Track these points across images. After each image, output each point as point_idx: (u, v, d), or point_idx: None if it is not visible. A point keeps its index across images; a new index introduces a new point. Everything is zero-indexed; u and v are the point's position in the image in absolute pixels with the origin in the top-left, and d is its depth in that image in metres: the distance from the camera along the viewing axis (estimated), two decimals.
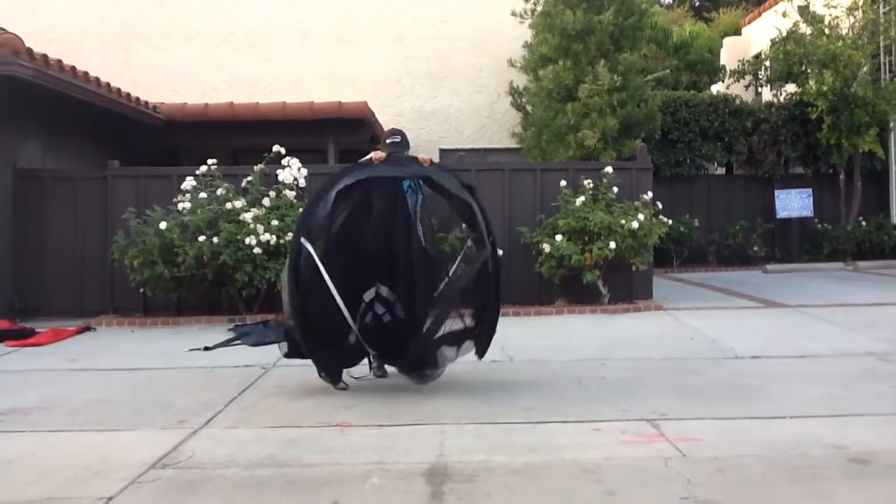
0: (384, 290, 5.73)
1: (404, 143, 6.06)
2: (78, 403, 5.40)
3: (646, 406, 4.96)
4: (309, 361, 6.40)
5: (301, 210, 8.44)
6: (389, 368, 5.78)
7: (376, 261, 5.70)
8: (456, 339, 5.49)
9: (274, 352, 7.06)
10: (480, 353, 5.52)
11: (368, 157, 5.78)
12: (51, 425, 4.86)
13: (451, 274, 5.82)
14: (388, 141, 6.06)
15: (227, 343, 7.54)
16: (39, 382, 6.08)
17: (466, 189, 5.67)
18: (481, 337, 5.52)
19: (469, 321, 5.53)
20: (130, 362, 6.84)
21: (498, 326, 5.62)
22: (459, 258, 6.05)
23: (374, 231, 5.70)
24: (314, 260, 5.34)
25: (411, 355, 5.47)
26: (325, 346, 5.51)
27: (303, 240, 5.38)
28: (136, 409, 5.20)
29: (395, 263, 5.68)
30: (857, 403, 5.02)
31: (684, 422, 4.62)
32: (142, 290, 8.95)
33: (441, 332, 5.47)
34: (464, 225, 5.95)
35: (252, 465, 4.01)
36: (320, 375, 5.53)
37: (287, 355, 5.68)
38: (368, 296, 5.72)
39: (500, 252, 8.86)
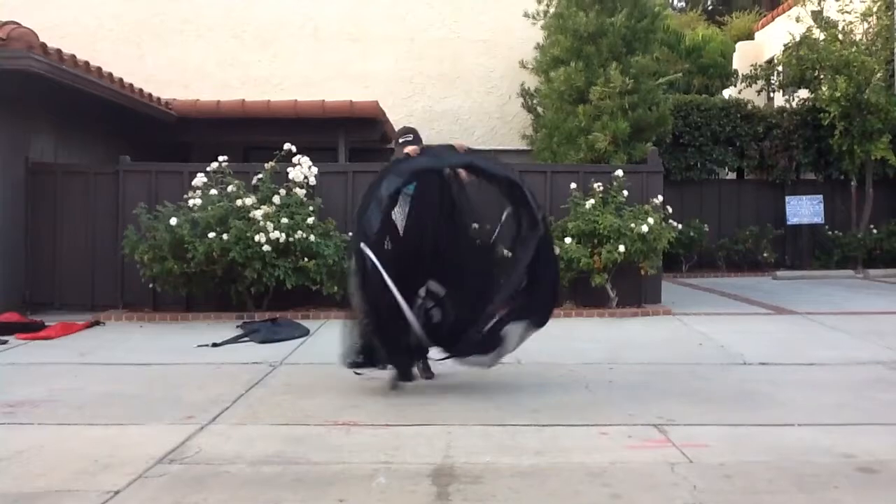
0: (433, 285, 5.65)
1: (417, 140, 6.06)
2: (86, 397, 5.42)
3: (653, 411, 4.95)
4: (320, 360, 6.46)
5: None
6: (440, 368, 5.75)
7: (424, 255, 5.63)
8: (517, 316, 5.47)
9: (282, 349, 7.13)
10: (539, 323, 5.50)
11: (405, 151, 5.76)
12: (59, 418, 4.88)
13: (502, 255, 5.76)
14: (400, 140, 6.07)
15: (235, 340, 7.61)
16: (49, 376, 6.10)
17: (509, 169, 5.67)
18: (539, 308, 5.52)
19: (525, 298, 5.51)
20: (139, 357, 6.86)
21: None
22: (504, 234, 5.90)
23: (420, 225, 5.67)
24: (374, 265, 5.26)
25: (468, 341, 5.41)
26: (396, 347, 5.46)
27: (363, 245, 5.28)
28: (144, 404, 5.22)
29: (443, 256, 5.64)
30: (866, 412, 5.00)
31: (691, 427, 4.61)
32: (151, 285, 8.99)
33: (501, 315, 5.44)
34: (509, 208, 5.76)
35: (259, 462, 4.02)
36: (395, 382, 5.45)
37: (354, 364, 5.54)
38: (422, 292, 5.66)
39: None
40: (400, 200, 5.58)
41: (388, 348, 5.42)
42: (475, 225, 6.00)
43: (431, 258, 5.65)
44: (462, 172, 5.72)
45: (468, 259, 5.73)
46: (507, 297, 5.51)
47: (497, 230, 5.91)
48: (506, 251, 5.83)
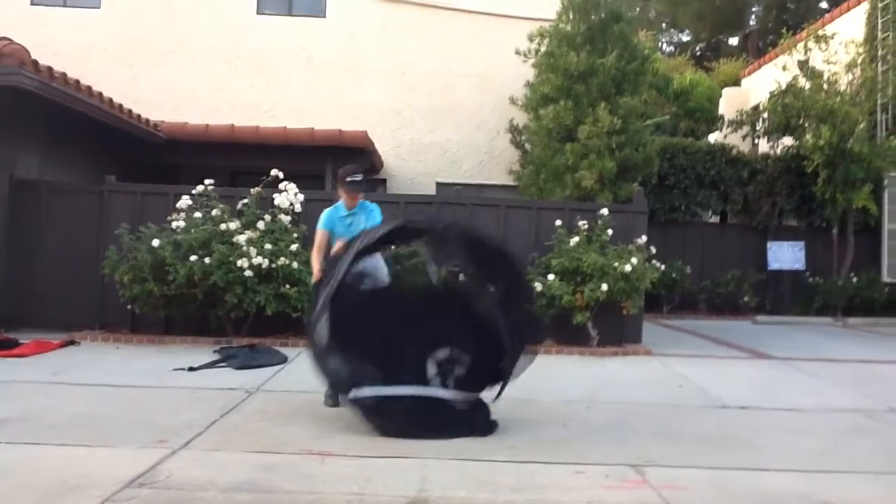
0: (439, 353, 5.55)
1: (364, 182, 6.21)
2: (57, 417, 5.32)
3: (631, 451, 4.92)
4: (298, 388, 6.40)
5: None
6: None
7: (400, 349, 5.50)
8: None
9: (259, 376, 7.06)
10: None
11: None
12: (29, 438, 4.78)
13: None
14: (348, 179, 6.10)
15: (212, 364, 7.53)
16: (19, 394, 6.00)
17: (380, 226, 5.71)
18: (513, 264, 5.76)
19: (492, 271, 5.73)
20: (114, 378, 6.76)
21: None
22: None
23: (362, 335, 5.49)
24: (375, 398, 5.25)
25: (506, 362, 5.41)
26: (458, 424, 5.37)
27: (352, 397, 5.26)
28: (115, 426, 5.13)
29: (418, 335, 5.54)
30: (844, 459, 4.99)
31: (669, 469, 4.58)
32: (130, 306, 8.89)
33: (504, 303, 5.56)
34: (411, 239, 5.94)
35: (230, 489, 3.95)
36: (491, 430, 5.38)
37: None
38: (432, 370, 5.51)
39: None
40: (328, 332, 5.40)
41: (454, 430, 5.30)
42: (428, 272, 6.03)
43: (409, 346, 5.52)
44: (367, 262, 5.67)
45: (445, 312, 5.68)
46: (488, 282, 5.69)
47: (425, 266, 5.98)
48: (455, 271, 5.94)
